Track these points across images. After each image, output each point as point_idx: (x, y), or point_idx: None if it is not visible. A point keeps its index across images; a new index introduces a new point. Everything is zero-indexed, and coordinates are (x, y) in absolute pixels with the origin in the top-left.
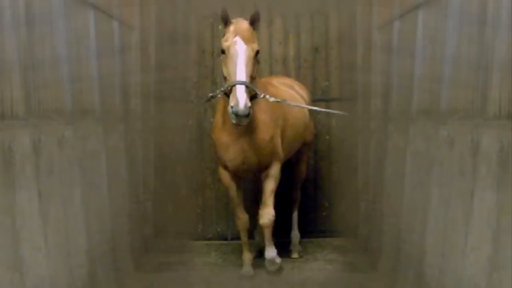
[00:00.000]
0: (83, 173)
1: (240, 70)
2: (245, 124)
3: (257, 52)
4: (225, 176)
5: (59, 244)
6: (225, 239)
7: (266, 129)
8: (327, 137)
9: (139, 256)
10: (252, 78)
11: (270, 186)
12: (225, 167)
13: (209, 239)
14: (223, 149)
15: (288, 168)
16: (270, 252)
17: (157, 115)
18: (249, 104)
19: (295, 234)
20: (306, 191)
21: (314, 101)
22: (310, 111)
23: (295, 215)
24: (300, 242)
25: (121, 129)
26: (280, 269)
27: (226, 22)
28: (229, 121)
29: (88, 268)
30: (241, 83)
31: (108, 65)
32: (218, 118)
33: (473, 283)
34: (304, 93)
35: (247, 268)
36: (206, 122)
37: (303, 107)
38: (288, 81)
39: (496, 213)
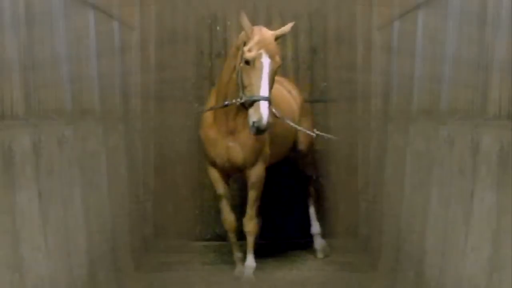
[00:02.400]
0: (83, 173)
1: (264, 85)
2: (262, 135)
3: (279, 66)
4: (213, 173)
5: (59, 244)
6: (224, 240)
7: None
8: (326, 138)
9: (139, 256)
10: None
11: (253, 194)
12: (213, 164)
13: (207, 240)
14: (211, 146)
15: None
16: (250, 261)
17: (157, 115)
18: (270, 119)
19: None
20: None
21: (311, 101)
22: (303, 111)
23: (312, 210)
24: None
25: (121, 129)
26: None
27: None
28: (219, 119)
29: (88, 268)
30: (265, 99)
31: (108, 65)
32: (208, 115)
33: (473, 283)
34: (296, 92)
35: (240, 268)
36: None
37: (301, 129)
38: (278, 78)
39: (496, 213)
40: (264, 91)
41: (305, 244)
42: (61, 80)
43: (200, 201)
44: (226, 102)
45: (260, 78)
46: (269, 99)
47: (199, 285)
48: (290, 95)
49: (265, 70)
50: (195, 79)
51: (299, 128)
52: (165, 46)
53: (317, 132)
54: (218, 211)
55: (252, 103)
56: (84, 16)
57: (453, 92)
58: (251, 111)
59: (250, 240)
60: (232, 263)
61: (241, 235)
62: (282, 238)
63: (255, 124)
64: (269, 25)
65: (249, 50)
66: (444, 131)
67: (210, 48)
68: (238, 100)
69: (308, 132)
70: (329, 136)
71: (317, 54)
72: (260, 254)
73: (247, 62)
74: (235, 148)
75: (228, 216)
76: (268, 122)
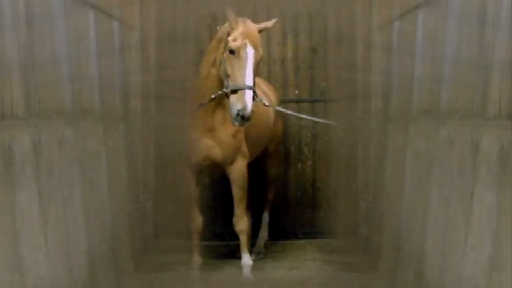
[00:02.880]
0: (83, 173)
1: (248, 74)
2: (245, 125)
3: (261, 58)
4: (188, 172)
5: (59, 244)
6: (223, 240)
7: (230, 125)
8: (326, 138)
9: (139, 256)
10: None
11: (238, 193)
12: (189, 164)
13: (207, 240)
14: (190, 144)
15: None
16: (246, 259)
17: (157, 115)
18: (253, 109)
19: (262, 234)
20: (305, 192)
21: (311, 101)
22: (276, 114)
23: (265, 215)
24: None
25: (121, 129)
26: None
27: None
28: (197, 117)
29: (88, 268)
30: (250, 87)
31: (108, 65)
32: (195, 93)
33: (473, 283)
34: (272, 94)
35: (195, 272)
36: None
37: (294, 115)
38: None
39: (496, 213)
40: (248, 80)
41: (305, 244)
42: (61, 80)
43: (199, 201)
44: (213, 96)
45: (244, 67)
46: (253, 88)
47: (199, 285)
48: (267, 97)
49: (249, 59)
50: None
51: (298, 115)
52: (165, 46)
53: (318, 119)
54: (218, 211)
55: (235, 91)
56: (84, 16)
57: (453, 92)
58: (233, 99)
59: (243, 239)
60: (232, 263)
61: (233, 235)
62: (282, 238)
63: (240, 113)
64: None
65: (234, 40)
66: (444, 131)
67: None
68: (224, 90)
69: (312, 119)
70: (328, 122)
71: (317, 54)
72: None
73: (231, 52)
74: (213, 145)
75: (197, 218)
76: (252, 111)
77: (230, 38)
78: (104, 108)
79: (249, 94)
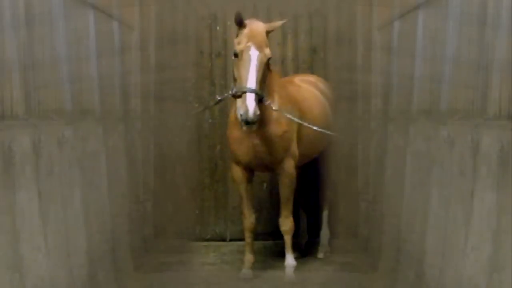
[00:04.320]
0: (83, 173)
1: (251, 77)
2: (254, 129)
3: (269, 59)
4: (236, 172)
5: (59, 244)
6: (224, 240)
7: (278, 124)
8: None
9: (139, 256)
10: (263, 83)
11: (285, 193)
12: (238, 163)
13: (207, 240)
14: (236, 144)
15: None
16: (290, 260)
17: (157, 115)
18: (258, 111)
19: (324, 233)
20: (305, 191)
21: None
22: (331, 108)
23: (325, 214)
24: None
25: (121, 129)
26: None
27: (241, 23)
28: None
29: (88, 268)
30: (252, 91)
31: (108, 65)
32: (232, 114)
33: (473, 283)
34: (329, 91)
35: (246, 270)
36: (205, 122)
37: (307, 125)
38: (312, 78)
39: (496, 213)
40: (251, 83)
41: (305, 244)
42: (61, 80)
43: (200, 201)
44: (218, 98)
45: (247, 70)
46: (256, 91)
47: (199, 285)
48: (324, 96)
49: (253, 62)
50: (195, 79)
51: (304, 123)
52: (165, 46)
53: (320, 129)
54: (218, 211)
55: (240, 95)
56: (84, 16)
57: (453, 92)
58: (238, 103)
59: (288, 239)
60: (232, 263)
61: (234, 235)
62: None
63: (242, 117)
64: None
65: (239, 43)
66: (444, 131)
67: (210, 48)
68: (230, 93)
69: (316, 128)
70: (329, 133)
71: (317, 54)
72: (260, 254)
73: (235, 55)
74: (260, 145)
75: (249, 215)
76: (255, 114)
77: (235, 41)
78: (104, 108)
79: (250, 97)
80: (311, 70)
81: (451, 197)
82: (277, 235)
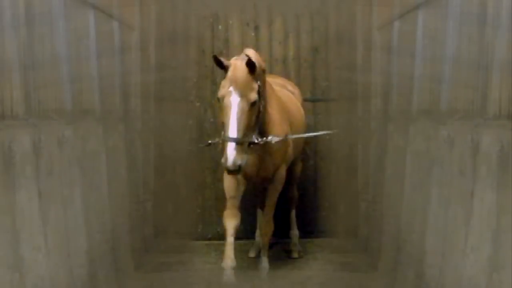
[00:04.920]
0: (83, 173)
1: (232, 125)
2: (239, 174)
3: (254, 103)
4: (228, 181)
5: (59, 244)
6: (225, 240)
7: (280, 133)
8: (327, 137)
9: (139, 256)
10: (249, 127)
11: (273, 198)
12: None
13: (209, 239)
14: None
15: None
16: (264, 262)
17: (157, 115)
18: (239, 161)
19: (294, 233)
20: (306, 191)
21: (310, 100)
22: (305, 110)
23: (293, 214)
24: (299, 241)
25: (121, 129)
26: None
27: (221, 66)
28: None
29: (88, 268)
30: (232, 140)
31: (108, 65)
32: None
33: (473, 283)
34: (296, 91)
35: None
36: (206, 122)
37: (302, 136)
38: (279, 80)
39: (496, 213)
40: (231, 131)
41: (306, 243)
42: (61, 80)
43: (201, 201)
44: (209, 141)
45: (228, 117)
46: (237, 140)
47: (199, 285)
48: (295, 98)
49: (233, 109)
50: (196, 79)
51: (304, 135)
52: (165, 46)
53: (317, 133)
54: (220, 210)
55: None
56: (84, 16)
57: (453, 92)
58: (223, 151)
59: (266, 242)
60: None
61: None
62: (282, 237)
63: (223, 165)
64: (270, 25)
65: (223, 86)
66: (444, 131)
67: (211, 47)
68: (218, 139)
69: (307, 135)
70: (326, 132)
71: (318, 54)
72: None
73: (218, 100)
74: (264, 157)
75: (234, 217)
76: (234, 164)
77: (220, 85)
78: (104, 108)
79: (230, 147)
80: (312, 69)
81: (451, 197)
82: (275, 233)
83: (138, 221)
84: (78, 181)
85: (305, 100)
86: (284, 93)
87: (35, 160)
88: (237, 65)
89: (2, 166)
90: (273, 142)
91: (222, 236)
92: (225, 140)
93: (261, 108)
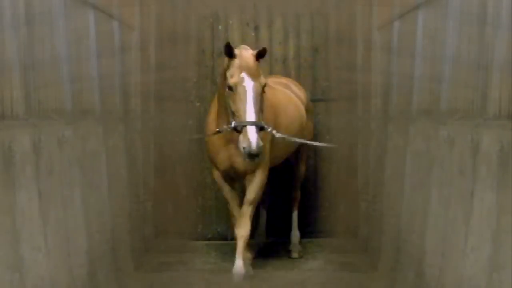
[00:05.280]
0: (83, 173)
1: (250, 109)
2: (257, 161)
3: (265, 85)
4: (218, 176)
5: (59, 244)
6: (225, 239)
7: None
8: (327, 137)
9: (139, 256)
10: (261, 112)
11: (251, 195)
12: (217, 168)
13: (209, 239)
14: (214, 152)
15: (288, 168)
16: (238, 265)
17: (157, 115)
18: (261, 143)
19: (295, 234)
20: (306, 191)
21: (312, 101)
22: (307, 111)
23: (294, 214)
24: (300, 242)
25: (121, 129)
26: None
27: (231, 54)
28: (220, 125)
29: (88, 268)
30: (252, 123)
31: (108, 65)
32: (211, 121)
33: (473, 283)
34: (301, 93)
35: (247, 268)
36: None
37: (299, 141)
38: (284, 80)
39: (496, 213)
40: (250, 115)
41: (306, 243)
42: (61, 80)
43: (201, 200)
44: (218, 129)
45: (245, 102)
46: (256, 123)
47: (199, 285)
48: (297, 98)
49: (249, 94)
50: (196, 79)
51: (300, 141)
52: (165, 45)
53: (319, 144)
54: (220, 210)
55: (241, 128)
56: (84, 16)
57: (453, 92)
58: (241, 137)
59: (241, 244)
60: (233, 262)
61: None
62: (282, 237)
63: (245, 150)
64: (270, 25)
65: (231, 76)
66: (444, 131)
67: (211, 47)
68: (230, 126)
69: (309, 143)
70: (327, 145)
71: (318, 54)
72: (260, 254)
73: (230, 88)
74: (237, 156)
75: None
76: (258, 147)
77: (228, 74)
78: (104, 108)
79: (252, 130)
80: (312, 69)
81: (451, 197)
82: (273, 233)
83: (138, 221)
84: (78, 181)
85: (312, 100)
86: (282, 92)
87: (35, 160)
88: (243, 53)
89: (2, 166)
90: (276, 135)
91: (222, 236)
92: (245, 124)
93: (263, 106)
